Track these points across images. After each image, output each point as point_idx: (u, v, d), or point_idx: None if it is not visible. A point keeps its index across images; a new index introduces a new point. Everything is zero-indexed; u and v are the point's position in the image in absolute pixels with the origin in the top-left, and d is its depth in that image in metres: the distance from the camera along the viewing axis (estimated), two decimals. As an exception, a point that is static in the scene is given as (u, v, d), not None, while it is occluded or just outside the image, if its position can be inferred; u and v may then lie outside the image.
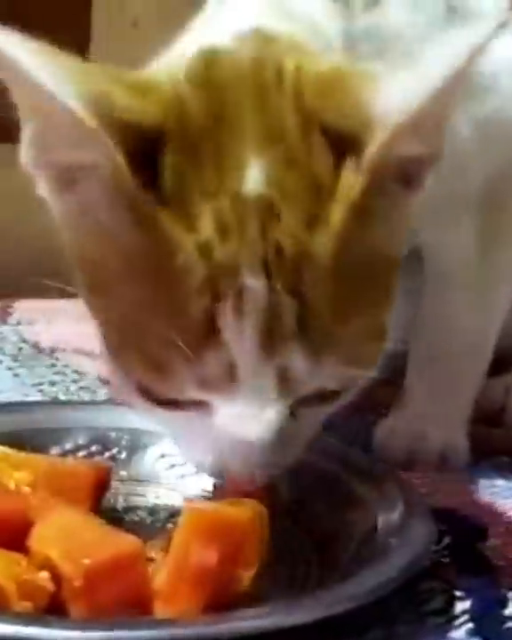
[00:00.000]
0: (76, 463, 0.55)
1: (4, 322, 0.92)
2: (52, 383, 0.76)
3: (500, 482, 0.61)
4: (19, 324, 0.91)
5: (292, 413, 0.44)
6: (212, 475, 0.47)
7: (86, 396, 0.73)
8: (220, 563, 0.43)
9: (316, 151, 0.42)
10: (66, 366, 0.80)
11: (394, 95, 0.41)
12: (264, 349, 0.41)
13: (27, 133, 0.42)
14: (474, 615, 0.46)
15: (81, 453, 0.57)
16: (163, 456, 0.57)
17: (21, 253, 1.06)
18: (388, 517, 0.49)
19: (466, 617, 0.46)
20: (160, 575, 0.44)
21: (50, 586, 0.42)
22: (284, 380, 0.42)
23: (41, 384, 0.76)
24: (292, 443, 0.45)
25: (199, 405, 0.44)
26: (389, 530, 0.48)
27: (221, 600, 0.43)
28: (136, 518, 0.53)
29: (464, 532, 0.53)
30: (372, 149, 0.41)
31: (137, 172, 0.40)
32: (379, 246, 0.43)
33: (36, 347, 0.85)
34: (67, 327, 0.90)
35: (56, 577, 0.42)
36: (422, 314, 0.61)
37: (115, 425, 0.59)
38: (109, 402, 0.69)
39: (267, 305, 0.41)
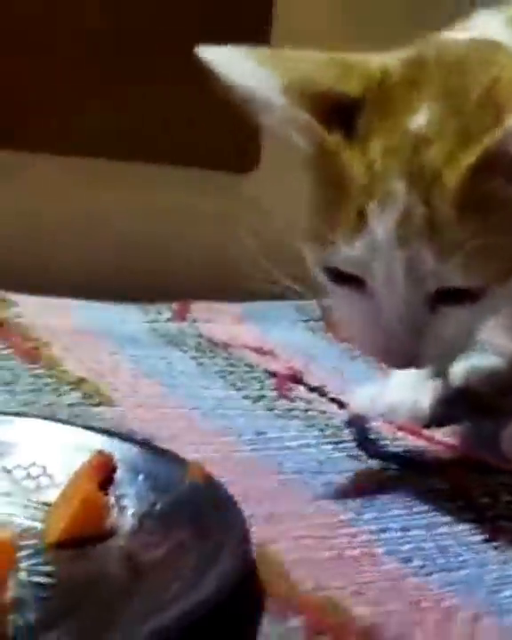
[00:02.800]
0: None
1: (183, 320, 1.06)
2: (230, 372, 0.88)
3: None
4: (195, 322, 1.05)
5: (433, 309, 0.56)
6: (371, 353, 0.61)
7: (256, 385, 0.84)
8: None
9: (481, 112, 0.55)
10: (239, 360, 0.92)
11: None
12: (398, 240, 0.54)
13: None
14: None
15: None
16: (17, 467, 0.59)
17: (194, 261, 1.23)
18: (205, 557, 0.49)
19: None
20: None
21: None
22: (414, 272, 0.55)
23: (221, 371, 0.88)
24: (436, 336, 0.57)
25: (359, 285, 0.57)
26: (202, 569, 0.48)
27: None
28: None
29: None
30: None
31: (332, 126, 0.56)
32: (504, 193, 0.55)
33: (211, 342, 0.97)
34: (235, 326, 1.04)
35: None
36: None
37: None
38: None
39: (404, 205, 0.54)
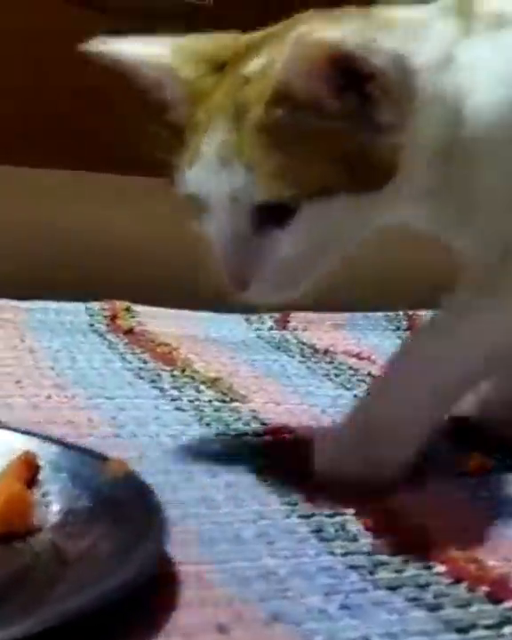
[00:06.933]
0: None
1: (285, 328, 1.17)
2: (337, 374, 0.98)
3: None
4: (295, 330, 1.16)
5: (258, 232, 0.64)
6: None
7: (363, 386, 0.93)
8: None
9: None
10: (341, 364, 1.02)
11: None
12: (219, 160, 0.63)
13: None
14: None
15: None
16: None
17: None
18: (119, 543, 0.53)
19: None
20: None
21: None
22: (232, 188, 0.63)
23: (328, 374, 0.98)
24: (263, 258, 0.64)
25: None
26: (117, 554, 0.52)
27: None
28: None
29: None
30: None
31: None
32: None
33: (313, 348, 1.08)
34: (332, 334, 1.16)
35: None
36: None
37: None
38: None
39: (223, 134, 0.64)
